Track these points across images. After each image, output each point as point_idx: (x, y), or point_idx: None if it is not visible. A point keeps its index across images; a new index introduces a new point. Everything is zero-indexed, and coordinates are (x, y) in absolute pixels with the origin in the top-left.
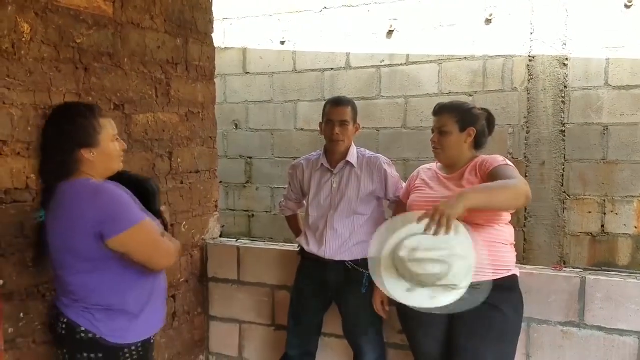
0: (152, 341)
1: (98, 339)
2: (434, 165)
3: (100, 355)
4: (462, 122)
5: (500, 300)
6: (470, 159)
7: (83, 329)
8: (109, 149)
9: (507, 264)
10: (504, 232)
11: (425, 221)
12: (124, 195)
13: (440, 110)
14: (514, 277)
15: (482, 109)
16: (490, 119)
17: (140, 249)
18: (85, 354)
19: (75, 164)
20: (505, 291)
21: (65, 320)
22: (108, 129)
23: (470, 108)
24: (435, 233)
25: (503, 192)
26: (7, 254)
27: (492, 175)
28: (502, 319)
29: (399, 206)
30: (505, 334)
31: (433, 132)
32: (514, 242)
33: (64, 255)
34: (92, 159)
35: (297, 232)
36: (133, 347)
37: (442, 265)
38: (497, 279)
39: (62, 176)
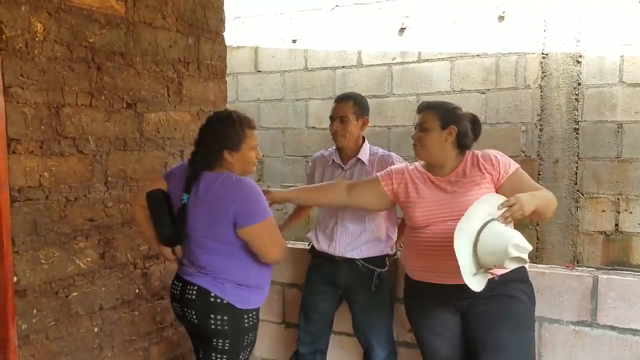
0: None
1: (226, 304)
2: (418, 165)
3: (225, 317)
4: (443, 120)
5: (513, 289)
6: (461, 158)
7: (213, 294)
8: (246, 156)
9: None
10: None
11: (502, 210)
12: (259, 191)
13: (423, 108)
14: (523, 269)
15: (468, 112)
16: (475, 122)
17: (259, 242)
18: (217, 316)
19: (217, 161)
20: (516, 282)
21: (196, 288)
22: (250, 140)
23: (453, 107)
24: (506, 222)
25: (552, 204)
26: (20, 251)
27: (516, 180)
28: (518, 305)
29: (372, 182)
30: (523, 320)
31: (415, 129)
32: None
33: (204, 238)
34: (231, 160)
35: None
36: (251, 313)
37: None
38: (507, 272)
39: (206, 167)
